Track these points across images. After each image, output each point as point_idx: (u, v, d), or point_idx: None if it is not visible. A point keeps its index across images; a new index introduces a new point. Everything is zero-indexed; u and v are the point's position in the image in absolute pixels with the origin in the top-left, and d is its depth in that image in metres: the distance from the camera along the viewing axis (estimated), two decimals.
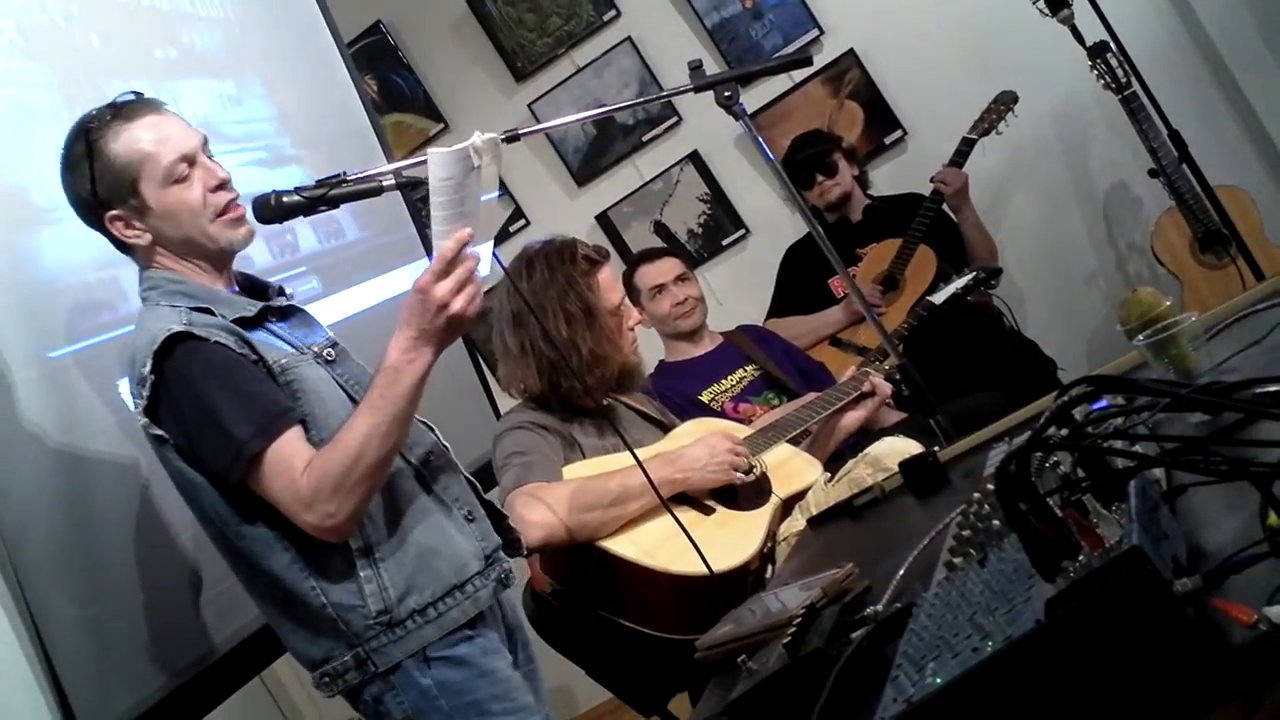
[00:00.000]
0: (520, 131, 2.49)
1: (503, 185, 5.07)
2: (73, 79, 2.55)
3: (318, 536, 1.97)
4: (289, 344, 2.09)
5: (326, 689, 2.08)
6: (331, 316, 2.88)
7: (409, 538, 2.06)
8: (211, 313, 2.02)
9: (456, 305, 1.92)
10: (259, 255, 2.92)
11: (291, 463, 1.95)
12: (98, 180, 2.02)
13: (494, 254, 2.36)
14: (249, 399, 1.96)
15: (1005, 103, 4.35)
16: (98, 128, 2.03)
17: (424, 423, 2.20)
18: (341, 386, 2.09)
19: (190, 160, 2.06)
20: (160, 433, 2.00)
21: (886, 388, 3.09)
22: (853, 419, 3.09)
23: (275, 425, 1.96)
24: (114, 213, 2.04)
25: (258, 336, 2.05)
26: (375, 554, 2.03)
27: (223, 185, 2.09)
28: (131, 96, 2.09)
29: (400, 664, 2.04)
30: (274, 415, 1.97)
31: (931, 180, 4.32)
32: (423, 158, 1.92)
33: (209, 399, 1.95)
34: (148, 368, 1.96)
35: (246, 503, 2.00)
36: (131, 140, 2.03)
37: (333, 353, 2.13)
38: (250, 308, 2.07)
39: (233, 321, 2.03)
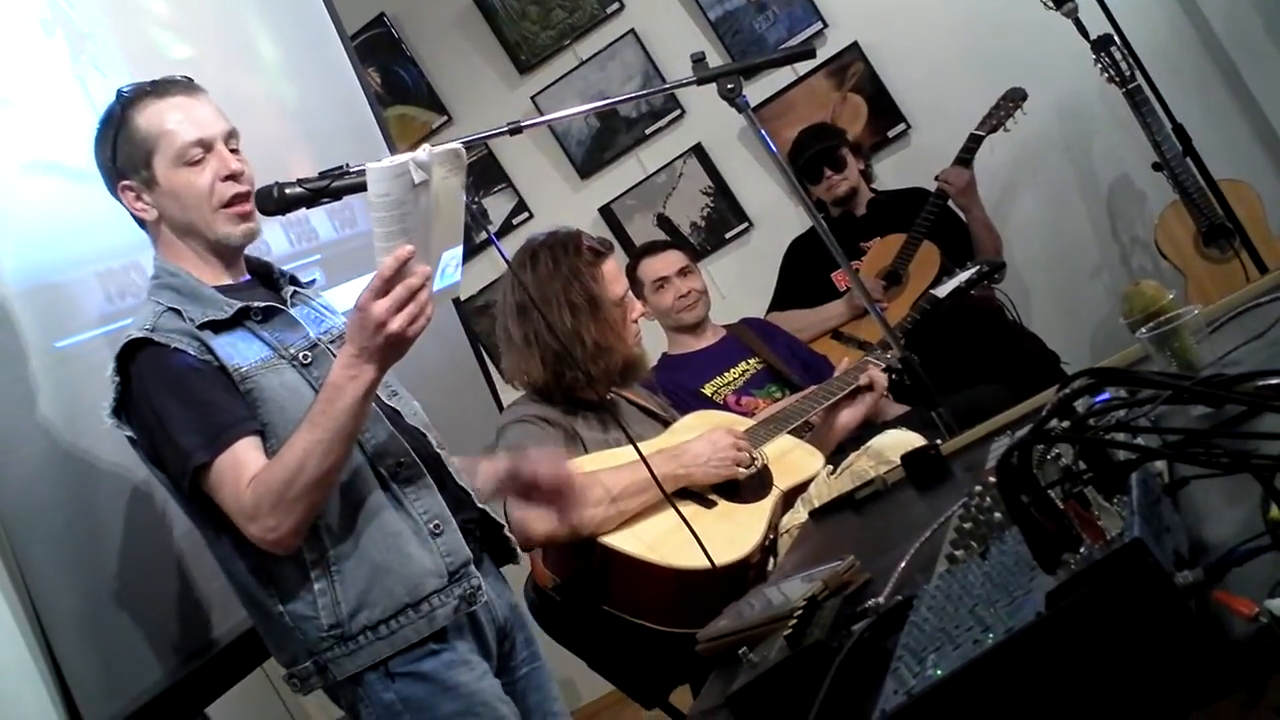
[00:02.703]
0: (523, 124, 2.48)
1: (506, 178, 5.09)
2: (77, 74, 2.55)
3: (263, 548, 1.97)
4: (267, 345, 2.07)
5: (295, 689, 2.09)
6: (340, 306, 2.87)
7: (365, 553, 2.03)
8: (181, 315, 2.01)
9: (395, 325, 1.88)
10: (276, 242, 2.92)
11: (239, 474, 1.94)
12: (118, 149, 2.06)
13: (497, 245, 2.36)
14: (200, 408, 1.96)
15: (1013, 99, 4.34)
16: (130, 99, 2.07)
17: (415, 428, 2.20)
18: (316, 390, 2.04)
19: (207, 146, 2.07)
20: (130, 434, 2.02)
21: (883, 380, 3.09)
22: (851, 417, 3.09)
23: (224, 436, 1.95)
24: (126, 182, 2.08)
25: (229, 339, 2.04)
26: (331, 566, 2.02)
27: (234, 177, 2.09)
28: (179, 78, 2.12)
29: (363, 676, 2.03)
30: (223, 425, 1.96)
31: (936, 179, 4.32)
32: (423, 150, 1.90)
33: (162, 407, 1.96)
34: (111, 370, 1.99)
35: (207, 510, 2.01)
36: (156, 115, 2.06)
37: (310, 355, 2.10)
38: (226, 309, 2.05)
39: (204, 324, 2.01)
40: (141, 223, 2.13)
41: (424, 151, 1.86)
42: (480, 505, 2.24)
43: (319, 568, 2.02)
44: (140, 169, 2.06)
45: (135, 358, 1.98)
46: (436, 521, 2.11)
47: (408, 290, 1.88)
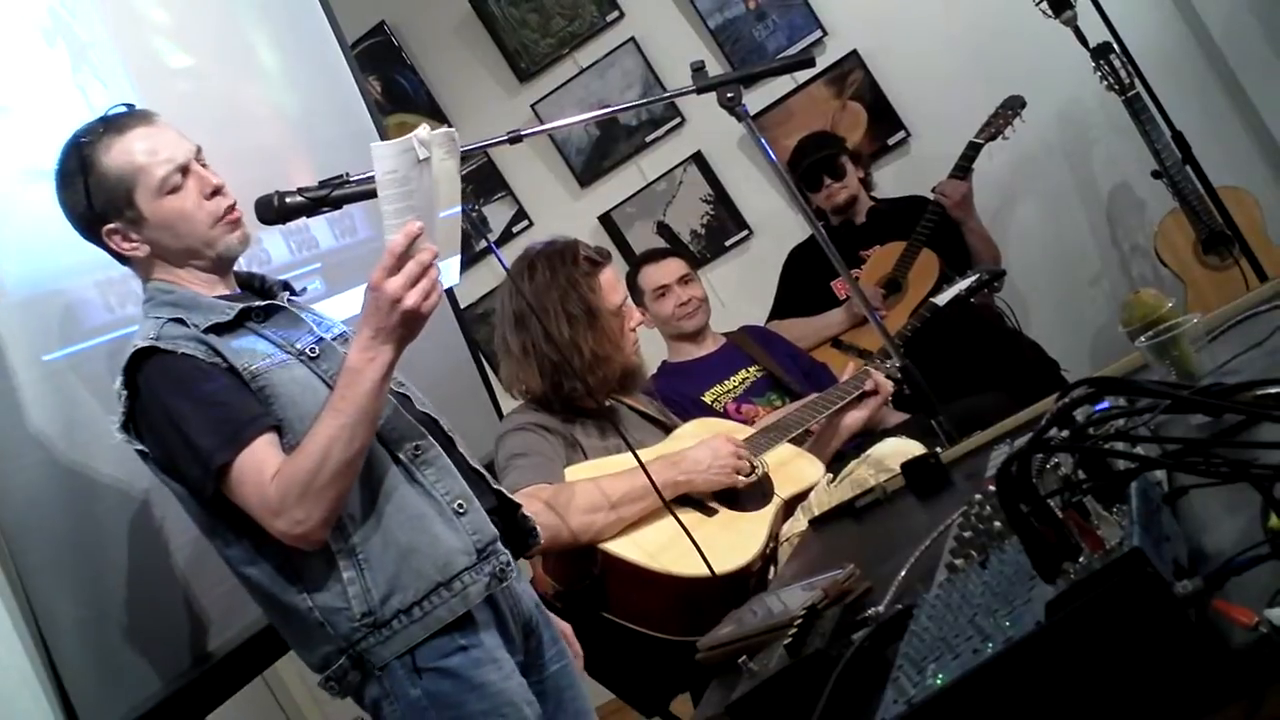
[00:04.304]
0: (523, 132, 2.49)
1: (505, 186, 5.09)
2: (78, 83, 2.56)
3: (290, 544, 1.96)
4: (273, 344, 2.07)
5: (333, 693, 2.08)
6: (342, 314, 2.87)
7: (391, 537, 2.03)
8: (184, 322, 2.01)
9: (410, 300, 1.89)
10: (277, 251, 2.92)
11: (261, 470, 1.94)
12: (92, 194, 2.02)
13: (496, 254, 2.37)
14: (216, 409, 1.96)
15: (1012, 107, 4.35)
16: (90, 142, 2.04)
17: (425, 413, 2.19)
18: (326, 382, 2.06)
19: (184, 169, 2.06)
20: (141, 447, 2.01)
21: (888, 385, 3.09)
22: (855, 419, 3.09)
23: (242, 434, 1.95)
24: (110, 226, 2.05)
25: (235, 341, 2.04)
26: (358, 555, 2.02)
27: (217, 191, 2.08)
28: (123, 109, 2.10)
29: (390, 669, 2.03)
30: (241, 424, 1.96)
31: (933, 191, 4.32)
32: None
33: (176, 412, 1.95)
34: (119, 383, 1.99)
35: (226, 513, 2.00)
36: (124, 152, 2.03)
37: (317, 349, 2.10)
38: (228, 311, 2.05)
39: (208, 328, 2.02)
40: (125, 260, 2.10)
41: (424, 129, 1.88)
42: (495, 488, 2.23)
43: (346, 557, 2.01)
44: (123, 209, 2.03)
45: (143, 367, 1.97)
46: (460, 501, 2.10)
47: (419, 266, 1.90)
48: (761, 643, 1.53)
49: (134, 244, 2.06)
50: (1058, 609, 1.01)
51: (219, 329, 2.04)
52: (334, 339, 2.16)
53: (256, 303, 2.12)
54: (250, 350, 2.04)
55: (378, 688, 2.05)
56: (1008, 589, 1.17)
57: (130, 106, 2.11)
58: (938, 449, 2.31)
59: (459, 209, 2.02)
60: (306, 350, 2.09)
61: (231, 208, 2.10)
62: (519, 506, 2.26)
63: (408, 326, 1.93)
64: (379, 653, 2.02)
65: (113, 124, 2.06)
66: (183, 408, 1.95)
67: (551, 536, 2.48)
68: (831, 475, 2.62)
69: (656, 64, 4.99)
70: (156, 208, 2.04)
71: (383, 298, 1.89)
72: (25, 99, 2.43)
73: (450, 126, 5.09)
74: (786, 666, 1.37)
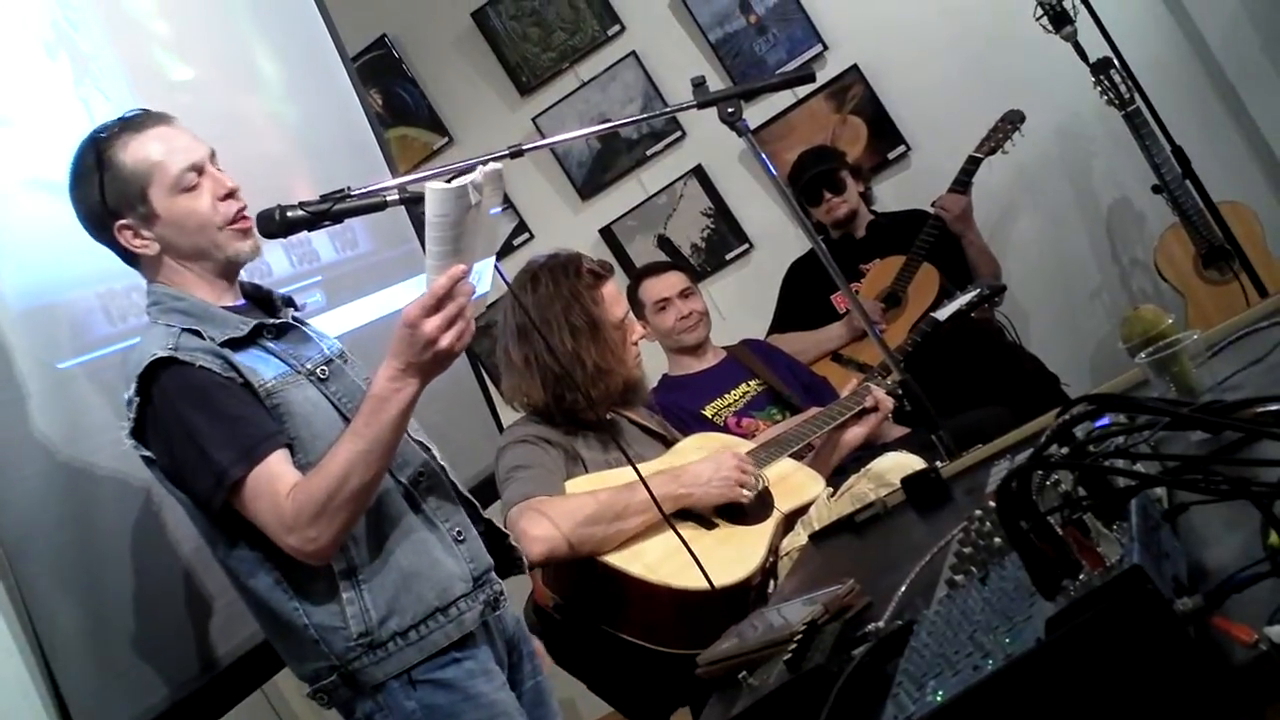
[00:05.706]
0: (524, 147, 2.49)
1: (507, 200, 5.08)
2: (80, 95, 2.56)
3: (300, 559, 1.98)
4: (284, 362, 2.09)
5: (321, 704, 2.10)
6: (341, 327, 2.88)
7: (392, 560, 2.06)
8: (200, 335, 2.02)
9: (444, 342, 1.92)
10: (278, 264, 2.93)
11: (275, 486, 1.95)
12: (106, 189, 2.04)
13: (497, 267, 2.37)
14: (232, 423, 1.97)
15: (1012, 121, 4.36)
16: (107, 139, 2.06)
17: (420, 442, 2.21)
18: (334, 404, 2.08)
19: (199, 169, 2.07)
20: (148, 454, 2.02)
21: (889, 402, 3.10)
22: (855, 435, 3.09)
23: (258, 449, 1.96)
24: (122, 221, 2.05)
25: (249, 356, 2.05)
26: (358, 576, 2.04)
27: (231, 195, 2.10)
28: (139, 112, 2.12)
29: (386, 683, 2.04)
30: (257, 439, 1.97)
31: (932, 205, 4.33)
32: (427, 172, 1.92)
33: (191, 424, 1.96)
34: (132, 390, 1.99)
35: (232, 524, 2.01)
36: (140, 149, 2.04)
37: (326, 370, 2.12)
38: (242, 326, 2.06)
39: (223, 342, 2.03)
40: (133, 260, 2.11)
41: (479, 175, 1.90)
42: (484, 517, 2.26)
43: (347, 578, 2.03)
44: (136, 205, 2.04)
45: (159, 376, 1.98)
46: (459, 529, 2.15)
47: (458, 308, 1.92)
48: (761, 658, 1.53)
49: (145, 241, 2.07)
50: (1058, 626, 1.01)
51: (233, 344, 2.04)
52: (335, 357, 2.17)
53: (270, 320, 2.13)
54: (263, 367, 2.05)
55: (371, 703, 2.06)
56: (1008, 605, 1.16)
57: (146, 110, 2.13)
58: (938, 464, 2.30)
59: (499, 209, 2.03)
60: (316, 371, 2.11)
61: (244, 214, 2.11)
62: (507, 536, 2.30)
63: (438, 363, 1.96)
64: (372, 672, 2.04)
65: (130, 123, 2.08)
66: (198, 420, 1.96)
67: (550, 549, 2.48)
68: (831, 489, 2.62)
69: (657, 78, 5.00)
70: (170, 205, 2.05)
71: (419, 336, 1.91)
72: (27, 111, 2.44)
73: (450, 140, 5.10)
74: (786, 682, 1.36)
